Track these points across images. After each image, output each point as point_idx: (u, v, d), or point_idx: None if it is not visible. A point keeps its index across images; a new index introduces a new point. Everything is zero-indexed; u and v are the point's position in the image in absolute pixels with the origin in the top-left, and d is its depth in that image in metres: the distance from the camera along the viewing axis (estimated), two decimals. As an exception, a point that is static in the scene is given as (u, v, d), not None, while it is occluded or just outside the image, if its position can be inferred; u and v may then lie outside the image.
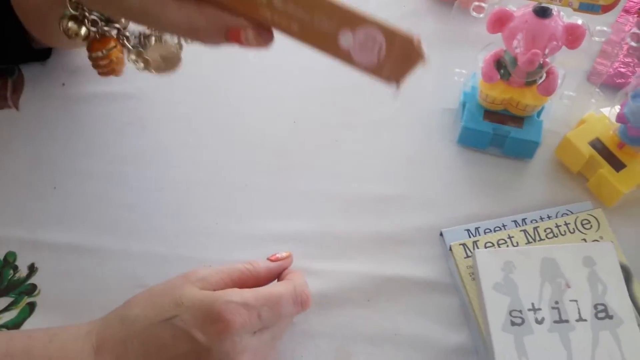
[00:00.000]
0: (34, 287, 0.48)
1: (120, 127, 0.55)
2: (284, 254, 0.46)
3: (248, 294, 0.38)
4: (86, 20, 0.39)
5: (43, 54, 0.56)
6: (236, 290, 0.39)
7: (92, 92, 0.56)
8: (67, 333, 0.39)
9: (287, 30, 0.31)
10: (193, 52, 0.59)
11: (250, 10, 0.31)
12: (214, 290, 0.39)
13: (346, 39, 0.31)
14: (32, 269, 0.49)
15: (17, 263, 0.49)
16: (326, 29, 0.30)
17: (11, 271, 0.49)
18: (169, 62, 0.44)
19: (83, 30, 0.38)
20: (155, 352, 0.37)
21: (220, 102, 0.56)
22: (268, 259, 0.45)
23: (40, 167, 0.53)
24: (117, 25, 0.42)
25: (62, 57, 0.58)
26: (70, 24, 0.38)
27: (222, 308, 0.36)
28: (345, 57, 0.31)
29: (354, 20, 0.30)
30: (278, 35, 0.59)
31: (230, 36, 0.32)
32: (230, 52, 0.59)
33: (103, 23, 0.39)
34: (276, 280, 0.45)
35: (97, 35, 0.39)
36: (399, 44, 0.30)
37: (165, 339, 0.37)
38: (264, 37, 0.33)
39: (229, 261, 0.48)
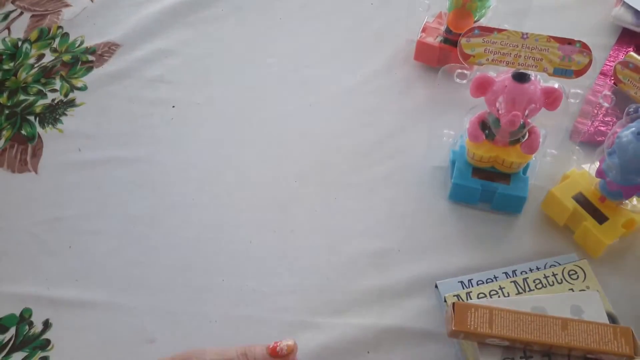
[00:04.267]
0: (47, 342, 0.50)
1: (132, 189, 0.59)
2: (290, 343, 0.42)
3: None
4: None
5: None
6: None
7: (107, 157, 0.60)
8: None
9: None
10: (202, 120, 0.64)
11: None
12: None
13: None
14: (46, 324, 0.51)
15: (32, 319, 0.51)
16: None
17: (27, 327, 0.51)
18: None
19: None
20: None
21: (227, 164, 0.60)
22: (268, 347, 0.42)
23: (56, 227, 0.56)
24: None
25: (78, 124, 0.63)
26: None
27: None
28: None
29: None
30: (282, 99, 0.64)
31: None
32: (235, 118, 0.64)
33: None
34: None
35: None
36: None
37: None
38: None
39: (235, 316, 0.51)
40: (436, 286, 0.51)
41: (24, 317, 0.52)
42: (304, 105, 0.64)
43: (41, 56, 0.69)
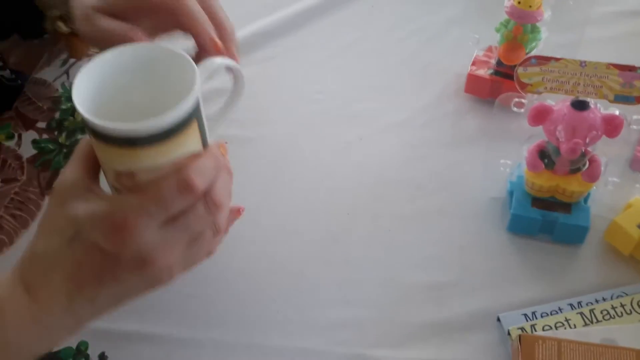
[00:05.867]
0: (104, 375, 0.50)
1: (187, 223, 0.59)
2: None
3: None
4: None
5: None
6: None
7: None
8: None
9: None
10: (255, 155, 0.64)
11: None
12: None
13: None
14: (102, 357, 0.51)
15: (88, 352, 0.51)
16: None
17: (83, 360, 0.51)
18: None
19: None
20: (75, 271, 0.37)
21: (280, 197, 0.60)
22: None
23: (113, 260, 0.57)
24: None
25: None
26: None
27: (119, 215, 0.35)
28: None
29: None
30: (333, 133, 0.64)
31: None
32: (286, 153, 0.64)
33: None
34: None
35: None
36: None
37: (79, 256, 0.37)
38: None
39: (290, 348, 0.50)
40: (498, 319, 0.49)
41: (80, 350, 0.52)
42: (355, 139, 0.64)
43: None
